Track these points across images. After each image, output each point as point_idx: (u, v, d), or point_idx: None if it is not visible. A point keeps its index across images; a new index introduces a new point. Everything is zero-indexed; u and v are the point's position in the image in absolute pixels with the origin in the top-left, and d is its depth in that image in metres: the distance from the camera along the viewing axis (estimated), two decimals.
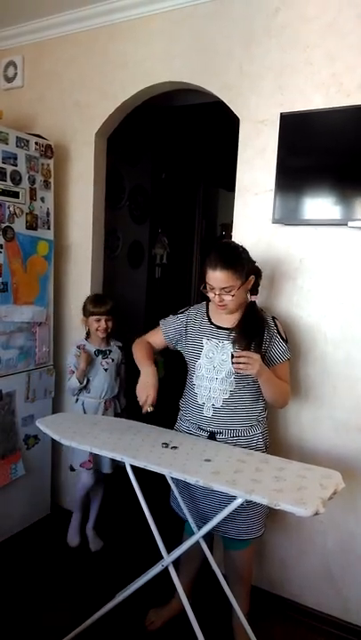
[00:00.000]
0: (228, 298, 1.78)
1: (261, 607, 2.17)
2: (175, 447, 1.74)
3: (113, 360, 2.55)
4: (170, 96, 2.76)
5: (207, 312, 1.95)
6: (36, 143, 2.50)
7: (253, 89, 2.17)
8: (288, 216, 2.08)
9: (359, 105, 1.91)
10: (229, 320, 1.87)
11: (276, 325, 1.88)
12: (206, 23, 2.26)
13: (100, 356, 2.53)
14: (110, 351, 2.57)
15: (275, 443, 2.16)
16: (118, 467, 2.49)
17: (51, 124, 2.75)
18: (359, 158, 1.90)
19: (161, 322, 2.06)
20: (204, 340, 1.89)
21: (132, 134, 3.73)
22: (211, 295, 1.81)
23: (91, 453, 2.42)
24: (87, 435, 1.85)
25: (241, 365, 1.69)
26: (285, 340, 1.88)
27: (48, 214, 2.60)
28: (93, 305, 2.50)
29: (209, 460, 1.64)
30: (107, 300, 2.53)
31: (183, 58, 2.35)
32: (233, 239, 2.26)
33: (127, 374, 2.61)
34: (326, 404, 2.10)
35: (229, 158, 2.29)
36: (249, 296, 1.87)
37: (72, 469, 2.55)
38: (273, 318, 1.90)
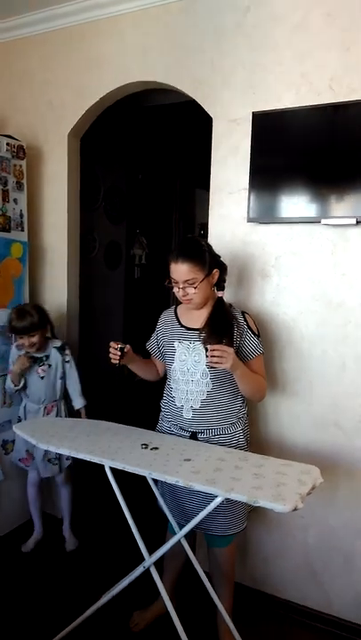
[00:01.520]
0: (191, 291, 1.78)
1: (245, 604, 2.18)
2: (155, 448, 1.73)
3: (50, 366, 2.43)
4: (144, 96, 2.75)
5: (176, 314, 1.95)
6: (8, 144, 2.46)
7: (225, 88, 2.18)
8: (263, 214, 2.09)
9: (329, 104, 1.94)
10: (198, 319, 1.86)
11: (246, 320, 1.87)
12: (178, 22, 2.26)
13: (36, 364, 2.42)
14: (47, 357, 2.44)
15: (254, 439, 2.17)
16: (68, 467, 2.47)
17: (23, 124, 2.71)
18: (330, 156, 1.93)
19: (147, 347, 2.07)
20: (176, 344, 1.89)
21: (107, 134, 3.71)
22: (175, 290, 1.81)
23: (27, 450, 2.43)
24: (65, 438, 1.84)
25: (215, 359, 1.67)
26: (257, 335, 1.89)
27: (22, 216, 2.57)
28: (15, 321, 2.31)
29: (189, 460, 1.64)
30: (28, 314, 2.31)
31: (155, 57, 2.34)
32: (209, 238, 2.27)
33: (82, 371, 2.54)
34: (304, 400, 2.12)
35: (205, 158, 2.30)
36: (216, 292, 1.88)
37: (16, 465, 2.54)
38: (243, 313, 1.90)
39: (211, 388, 1.83)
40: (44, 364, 2.43)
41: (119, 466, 1.60)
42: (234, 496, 1.41)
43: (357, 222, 1.91)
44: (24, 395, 2.46)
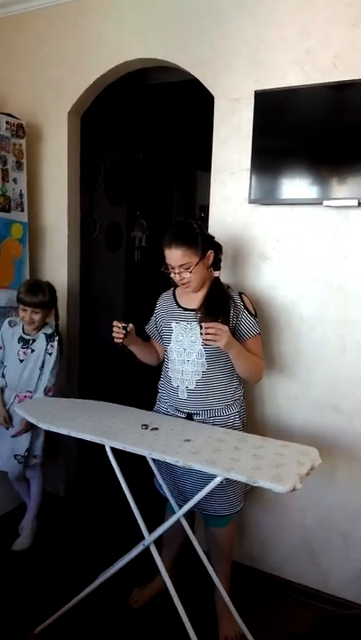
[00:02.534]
0: (187, 275, 1.78)
1: (243, 582, 2.21)
2: (155, 428, 1.75)
3: (33, 351, 2.32)
4: (145, 74, 2.70)
5: (174, 295, 1.96)
6: (7, 122, 2.43)
7: (228, 66, 2.14)
8: (265, 196, 2.07)
9: (333, 82, 1.90)
10: (195, 300, 1.86)
11: (243, 300, 1.87)
12: None
13: (20, 344, 2.32)
14: (34, 340, 2.33)
15: (252, 421, 2.19)
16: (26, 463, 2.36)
17: (22, 102, 2.67)
18: (333, 137, 1.90)
19: (146, 329, 2.06)
20: (173, 324, 1.90)
21: (107, 114, 3.65)
22: (172, 275, 1.82)
23: None
24: (65, 418, 1.85)
25: (209, 337, 1.67)
26: (254, 315, 1.88)
27: (21, 196, 2.54)
28: (25, 293, 2.26)
29: (188, 440, 1.65)
30: (41, 291, 2.27)
31: (157, 33, 2.30)
32: (209, 220, 2.26)
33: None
34: (302, 382, 2.13)
35: (207, 138, 2.26)
36: (212, 272, 1.87)
37: None
38: (240, 294, 1.90)
39: (206, 368, 1.84)
40: (27, 347, 2.32)
41: (119, 446, 1.61)
42: (233, 476, 1.42)
43: (359, 204, 1.89)
44: (2, 378, 2.37)
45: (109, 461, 1.74)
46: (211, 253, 1.83)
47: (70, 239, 2.72)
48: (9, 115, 2.47)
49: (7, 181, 2.45)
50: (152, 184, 4.57)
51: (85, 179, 2.91)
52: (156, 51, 2.31)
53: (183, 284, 1.83)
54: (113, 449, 1.68)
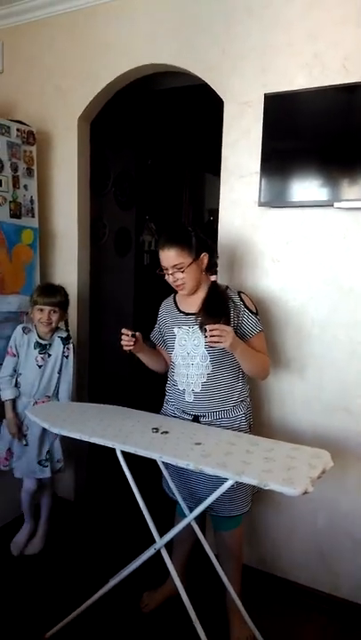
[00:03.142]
0: (180, 276, 1.81)
1: (254, 585, 2.20)
2: (166, 432, 1.75)
3: (50, 356, 2.33)
4: (154, 79, 2.72)
5: (175, 301, 1.98)
6: (18, 130, 2.46)
7: (236, 70, 2.15)
8: (274, 198, 2.07)
9: (342, 84, 1.90)
10: (195, 304, 1.88)
11: (242, 300, 1.88)
12: (189, 4, 2.23)
13: (38, 350, 2.31)
14: (50, 345, 2.33)
15: (264, 424, 2.18)
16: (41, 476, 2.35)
17: (32, 109, 2.70)
18: (343, 138, 1.90)
19: (151, 337, 2.08)
20: (176, 329, 1.92)
21: (117, 119, 3.68)
22: (166, 277, 1.84)
23: (8, 450, 2.35)
24: (76, 422, 1.86)
25: (214, 338, 1.68)
26: (255, 313, 1.89)
27: (32, 202, 2.57)
28: (42, 294, 2.28)
29: (199, 444, 1.65)
30: (58, 292, 2.31)
31: (166, 39, 2.31)
32: (219, 223, 2.26)
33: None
34: (313, 384, 2.12)
35: (215, 142, 2.27)
36: (209, 276, 1.89)
37: None
38: (239, 293, 1.90)
39: (211, 370, 1.85)
40: (45, 353, 2.32)
41: (131, 449, 1.61)
42: (245, 479, 1.42)
43: None
44: (15, 383, 2.33)
45: (119, 465, 1.75)
46: (205, 256, 1.84)
47: (80, 244, 2.73)
48: (19, 122, 2.50)
49: (18, 188, 2.48)
50: (161, 188, 4.59)
51: (95, 184, 2.94)
52: (166, 56, 2.32)
53: (178, 286, 1.85)
54: (123, 452, 1.68)
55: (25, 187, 2.52)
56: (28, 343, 2.33)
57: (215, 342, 1.69)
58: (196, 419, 1.89)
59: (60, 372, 2.37)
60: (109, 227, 3.85)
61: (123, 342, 1.89)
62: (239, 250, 2.21)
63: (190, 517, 1.70)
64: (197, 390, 1.87)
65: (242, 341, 1.79)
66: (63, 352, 2.36)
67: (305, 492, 1.36)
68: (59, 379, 2.37)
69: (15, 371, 2.35)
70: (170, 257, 1.79)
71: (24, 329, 2.34)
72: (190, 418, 1.90)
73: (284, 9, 2.02)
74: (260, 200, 2.08)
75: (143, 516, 1.77)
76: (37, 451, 2.33)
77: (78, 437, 1.74)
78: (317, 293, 2.08)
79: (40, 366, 2.32)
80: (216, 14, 2.17)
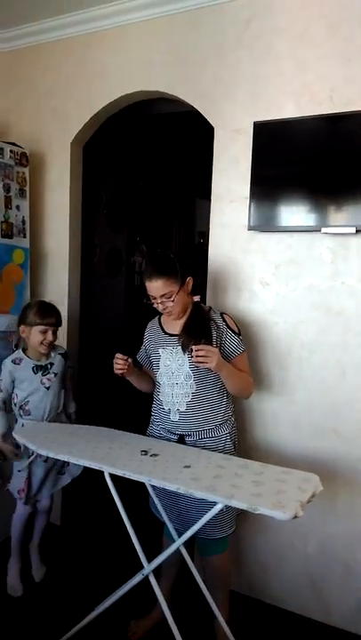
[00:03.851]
0: (169, 304, 1.84)
1: (243, 612, 2.16)
2: (155, 454, 1.73)
3: (56, 374, 2.26)
4: (147, 105, 2.77)
5: (160, 322, 2.01)
6: (11, 151, 2.48)
7: (227, 98, 2.20)
8: (263, 223, 2.10)
9: (329, 114, 1.96)
10: (178, 325, 1.91)
11: (225, 321, 1.91)
12: (181, 34, 2.29)
13: (40, 373, 2.23)
14: (52, 364, 2.26)
15: (252, 447, 2.17)
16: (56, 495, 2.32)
17: (26, 131, 2.73)
18: (330, 166, 1.95)
19: (137, 358, 2.08)
20: (160, 350, 1.94)
21: (109, 143, 3.73)
22: (154, 305, 1.87)
23: (26, 481, 2.21)
24: (64, 444, 1.84)
25: (200, 359, 1.71)
26: (238, 334, 1.92)
27: (24, 222, 2.58)
28: (41, 314, 2.17)
29: (188, 467, 1.64)
30: (54, 309, 2.24)
31: (159, 67, 2.37)
32: (209, 246, 2.29)
33: (76, 378, 2.42)
34: (303, 407, 2.13)
35: (206, 167, 2.31)
36: (192, 297, 1.92)
37: (8, 492, 2.30)
38: (222, 314, 1.94)
39: (195, 389, 1.87)
40: (48, 373, 2.24)
41: (119, 472, 1.60)
42: (235, 503, 1.41)
43: (357, 231, 1.92)
44: (21, 412, 2.23)
45: (107, 487, 1.72)
46: (190, 280, 1.88)
47: (71, 264, 2.74)
48: (13, 144, 2.52)
49: (10, 208, 2.49)
50: (152, 211, 4.64)
51: (87, 206, 2.96)
52: (159, 83, 2.38)
53: (166, 313, 1.89)
54: (112, 475, 1.66)
55: (17, 207, 2.53)
56: (26, 371, 2.22)
57: (201, 362, 1.72)
58: (181, 438, 1.90)
59: (64, 387, 2.33)
60: (101, 247, 3.87)
61: (117, 367, 1.90)
62: (229, 273, 2.24)
63: (179, 542, 1.68)
64: (182, 409, 1.88)
65: (227, 363, 1.82)
66: (66, 364, 2.32)
67: (295, 517, 1.35)
68: (63, 394, 2.34)
69: (5, 403, 2.25)
70: (158, 287, 1.82)
71: (14, 361, 2.23)
72: (176, 437, 1.91)
73: (275, 41, 2.09)
74: (250, 224, 2.12)
75: (129, 540, 1.73)
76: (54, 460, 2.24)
77: (66, 459, 1.72)
78: (306, 317, 2.10)
79: (48, 388, 2.23)
80: (208, 44, 2.23)
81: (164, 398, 1.94)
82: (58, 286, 2.75)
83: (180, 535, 1.71)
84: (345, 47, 1.95)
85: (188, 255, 5.03)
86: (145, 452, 1.75)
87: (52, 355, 2.28)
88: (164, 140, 4.10)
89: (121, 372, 1.92)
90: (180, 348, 1.88)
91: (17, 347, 2.32)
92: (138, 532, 1.75)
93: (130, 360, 1.93)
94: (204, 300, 2.33)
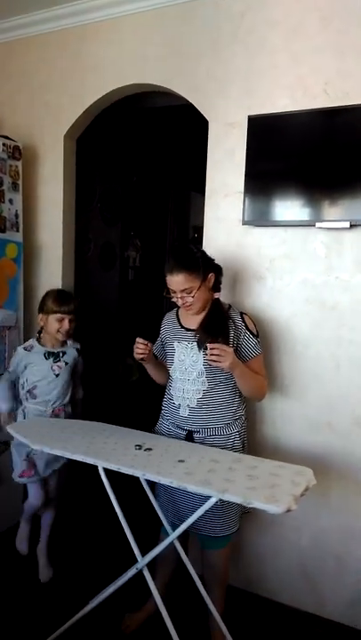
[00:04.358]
0: (189, 299, 1.81)
1: (237, 606, 2.17)
2: (149, 449, 1.73)
3: (67, 363, 2.28)
4: (141, 98, 2.76)
5: (177, 316, 1.98)
6: (4, 144, 2.46)
7: (221, 92, 2.19)
8: (258, 217, 2.10)
9: (323, 108, 1.95)
10: (197, 320, 1.89)
11: (244, 321, 1.89)
12: (175, 26, 2.27)
13: (52, 359, 2.25)
14: (64, 353, 2.28)
15: (251, 442, 2.18)
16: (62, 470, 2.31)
17: (19, 125, 2.71)
18: (324, 160, 1.94)
19: (154, 350, 2.03)
20: (175, 344, 1.92)
21: (103, 136, 3.71)
22: (174, 299, 1.85)
23: (27, 460, 2.22)
24: (58, 439, 1.83)
25: (214, 357, 1.70)
26: (256, 335, 1.90)
27: (17, 216, 2.56)
28: (58, 302, 2.22)
29: (182, 461, 1.64)
30: (72, 298, 2.29)
31: (153, 60, 2.35)
32: (203, 241, 2.28)
33: (85, 371, 2.44)
34: (298, 401, 2.13)
35: (200, 161, 2.30)
36: (212, 293, 1.90)
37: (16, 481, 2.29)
38: (241, 314, 1.92)
39: (207, 386, 1.85)
40: (59, 361, 2.25)
41: (113, 467, 1.60)
42: (228, 497, 1.41)
43: (351, 226, 1.92)
44: (28, 396, 2.25)
45: (101, 481, 1.72)
46: (212, 276, 1.86)
47: (65, 258, 2.73)
48: (5, 137, 2.50)
49: (3, 202, 2.47)
50: (146, 205, 4.62)
51: (81, 200, 2.95)
52: (152, 76, 2.36)
53: (186, 308, 1.86)
54: (106, 469, 1.66)
55: (10, 201, 2.51)
56: (37, 356, 2.25)
57: (214, 362, 1.71)
58: (190, 434, 1.89)
59: (72, 378, 2.34)
60: (94, 242, 3.85)
61: (138, 351, 1.87)
62: (223, 267, 2.22)
63: (173, 536, 1.69)
64: (193, 405, 1.87)
65: (241, 363, 1.80)
66: (77, 359, 2.33)
67: (288, 510, 1.36)
68: (72, 385, 2.34)
69: (15, 385, 2.30)
70: (178, 282, 1.79)
71: (25, 348, 2.27)
72: (184, 433, 1.90)
73: (269, 34, 2.07)
74: (244, 219, 2.11)
75: (132, 534, 1.73)
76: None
77: (60, 454, 1.72)
78: (301, 311, 2.10)
79: (57, 375, 2.25)
80: (202, 37, 2.22)
81: (174, 393, 1.92)
82: (51, 280, 2.73)
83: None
84: (339, 40, 1.95)
85: None
86: (139, 447, 1.75)
87: (68, 344, 2.31)
88: (158, 133, 4.07)
89: (142, 356, 1.87)
90: (195, 344, 1.86)
91: (39, 333, 2.32)
92: (133, 527, 1.76)
93: (150, 344, 1.89)
94: None
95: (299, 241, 2.08)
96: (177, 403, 1.91)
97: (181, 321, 1.95)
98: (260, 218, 2.09)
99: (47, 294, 2.29)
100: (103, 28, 2.46)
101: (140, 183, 4.47)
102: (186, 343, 1.89)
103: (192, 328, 1.89)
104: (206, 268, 1.84)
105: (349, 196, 1.90)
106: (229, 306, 1.95)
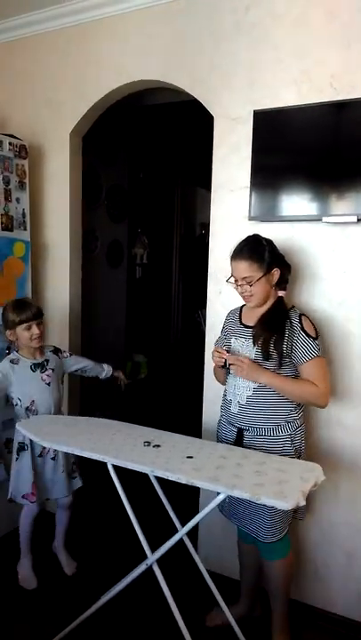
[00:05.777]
0: (247, 289, 1.81)
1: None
2: (158, 445, 1.74)
3: (53, 370, 2.27)
4: (146, 94, 2.76)
5: (240, 313, 1.98)
6: (10, 143, 2.47)
7: (226, 86, 2.18)
8: (264, 213, 2.09)
9: (330, 102, 1.94)
10: (255, 318, 1.88)
11: (301, 322, 1.81)
12: (179, 21, 2.27)
13: (39, 370, 2.24)
14: (48, 361, 2.27)
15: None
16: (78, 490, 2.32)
17: (24, 123, 2.72)
18: (331, 154, 1.93)
19: (215, 346, 2.02)
20: (233, 340, 1.92)
21: (109, 133, 3.71)
22: (234, 287, 1.85)
23: (34, 483, 2.18)
24: (67, 436, 1.85)
25: (233, 367, 1.75)
26: (314, 338, 1.80)
27: (24, 215, 2.57)
28: (19, 311, 2.16)
29: (191, 457, 1.64)
30: (31, 303, 2.26)
31: (157, 56, 2.35)
32: (210, 237, 2.28)
33: (68, 380, 2.44)
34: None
35: (206, 156, 2.30)
36: (277, 291, 1.87)
37: (11, 501, 2.23)
38: (300, 315, 1.84)
39: (257, 385, 1.82)
40: (46, 369, 2.26)
41: (121, 463, 1.60)
42: (236, 493, 1.42)
43: (358, 220, 1.91)
44: (30, 413, 2.22)
45: (110, 478, 1.73)
46: (276, 271, 1.83)
47: (72, 256, 2.74)
48: (11, 136, 2.51)
49: (10, 201, 2.48)
50: (153, 201, 4.62)
51: (87, 197, 2.96)
52: (156, 72, 2.35)
53: (245, 297, 1.86)
54: (115, 466, 1.67)
55: (17, 200, 2.53)
56: (23, 370, 2.22)
57: (235, 372, 1.76)
58: (240, 432, 1.87)
59: (62, 382, 2.36)
60: (101, 239, 3.86)
61: (216, 359, 1.86)
62: (229, 264, 2.22)
63: (182, 532, 1.69)
64: (243, 402, 1.85)
65: (267, 372, 1.77)
66: (60, 357, 2.34)
67: (297, 506, 1.36)
68: (63, 389, 2.36)
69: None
70: (240, 269, 1.80)
71: (11, 362, 2.23)
72: (235, 430, 1.89)
73: (272, 27, 2.06)
74: (251, 214, 2.10)
75: (142, 531, 1.74)
76: (64, 460, 2.27)
77: (69, 451, 1.73)
78: (308, 306, 2.09)
79: (49, 384, 2.25)
80: (205, 31, 2.20)
81: (228, 388, 1.93)
82: (59, 278, 2.75)
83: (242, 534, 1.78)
84: (344, 33, 1.93)
85: (189, 248, 5.01)
86: (148, 443, 1.75)
87: (45, 352, 2.30)
88: (164, 129, 4.07)
89: (221, 362, 1.84)
90: (251, 340, 1.85)
91: (9, 350, 2.32)
92: (145, 526, 1.76)
93: (224, 351, 1.85)
94: (204, 292, 2.33)
95: (306, 236, 2.07)
96: (229, 398, 1.92)
97: (242, 317, 1.95)
98: (266, 213, 2.08)
99: (4, 309, 2.23)
100: (106, 24, 2.46)
101: (147, 180, 4.47)
102: (243, 340, 1.87)
103: (250, 324, 1.89)
104: (272, 262, 1.82)
105: (356, 190, 1.88)
106: (292, 306, 1.90)
